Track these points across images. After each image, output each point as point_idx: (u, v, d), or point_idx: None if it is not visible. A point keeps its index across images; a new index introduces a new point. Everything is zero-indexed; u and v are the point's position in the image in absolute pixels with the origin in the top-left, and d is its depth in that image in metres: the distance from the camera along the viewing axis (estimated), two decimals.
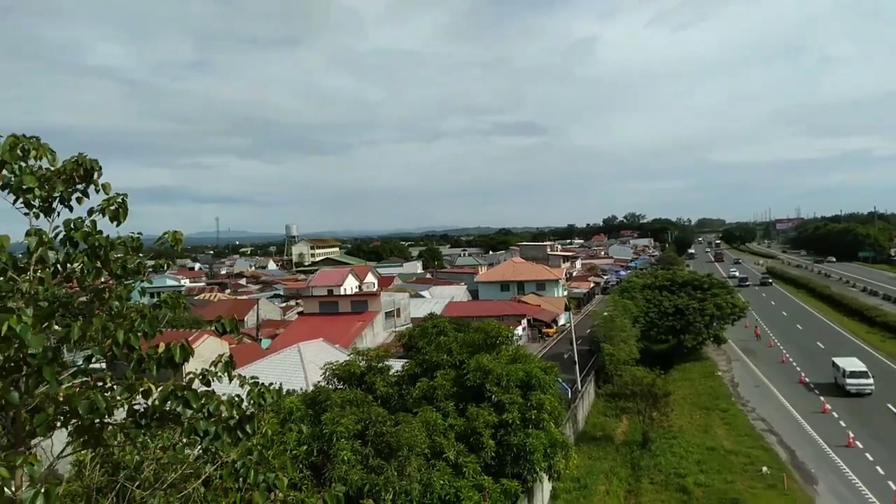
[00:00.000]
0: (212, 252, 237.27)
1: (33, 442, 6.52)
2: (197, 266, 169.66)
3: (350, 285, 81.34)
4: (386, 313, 54.73)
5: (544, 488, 24.73)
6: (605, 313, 48.47)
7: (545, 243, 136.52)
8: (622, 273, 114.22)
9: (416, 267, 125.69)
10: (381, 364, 21.15)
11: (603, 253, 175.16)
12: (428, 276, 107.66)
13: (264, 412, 8.84)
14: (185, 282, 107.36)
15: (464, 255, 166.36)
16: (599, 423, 37.05)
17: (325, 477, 14.10)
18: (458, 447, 17.81)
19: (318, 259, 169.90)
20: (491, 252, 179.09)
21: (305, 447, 14.33)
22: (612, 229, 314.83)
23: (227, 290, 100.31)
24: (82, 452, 10.49)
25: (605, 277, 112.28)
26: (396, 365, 23.45)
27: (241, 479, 7.09)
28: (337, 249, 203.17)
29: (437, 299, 71.07)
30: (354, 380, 20.50)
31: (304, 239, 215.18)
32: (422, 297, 73.16)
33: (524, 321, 61.78)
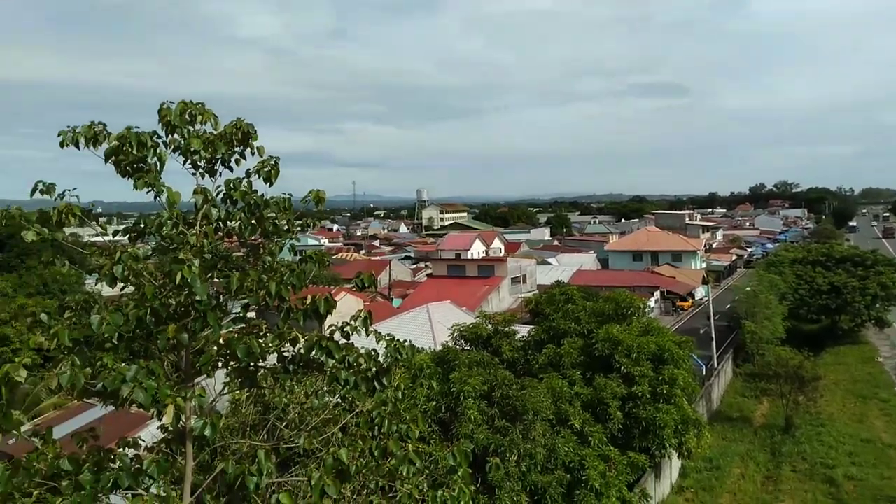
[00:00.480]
0: (348, 214, 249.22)
1: (197, 380, 7.29)
2: (335, 227, 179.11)
3: (477, 250, 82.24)
4: (512, 279, 54.85)
5: (673, 465, 23.94)
6: (748, 288, 45.30)
7: (683, 212, 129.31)
8: (769, 246, 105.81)
9: (544, 234, 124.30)
10: (507, 328, 21.30)
11: (748, 224, 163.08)
12: (555, 243, 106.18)
13: (398, 367, 9.23)
14: (325, 241, 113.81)
15: (594, 222, 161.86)
16: (736, 403, 35.03)
17: (452, 433, 14.58)
18: (583, 416, 17.65)
19: (446, 223, 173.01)
20: (623, 220, 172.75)
21: (434, 403, 14.87)
22: (759, 198, 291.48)
23: (362, 251, 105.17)
24: (237, 392, 11.61)
25: (749, 250, 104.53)
26: (522, 330, 23.51)
27: (375, 428, 7.49)
28: (465, 214, 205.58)
29: (565, 267, 69.99)
30: (481, 342, 20.83)
31: (434, 203, 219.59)
32: (549, 264, 72.39)
33: (657, 293, 59.35)
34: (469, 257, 74.79)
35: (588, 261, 78.78)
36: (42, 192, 6.20)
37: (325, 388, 10.67)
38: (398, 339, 7.57)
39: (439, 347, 20.70)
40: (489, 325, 21.41)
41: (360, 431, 7.86)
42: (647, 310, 25.53)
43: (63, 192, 6.40)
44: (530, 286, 56.48)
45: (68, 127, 6.24)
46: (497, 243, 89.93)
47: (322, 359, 6.76)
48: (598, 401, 18.44)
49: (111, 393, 5.57)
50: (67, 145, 6.23)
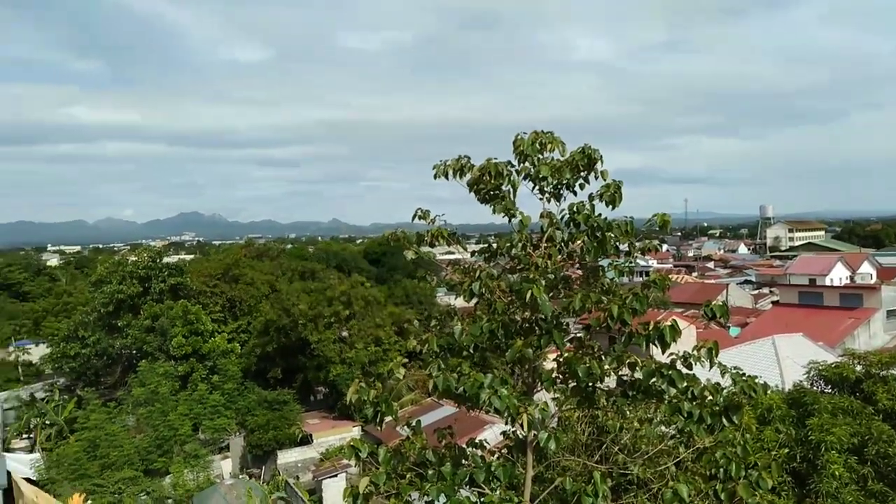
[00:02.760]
0: (679, 234, 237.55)
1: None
2: (664, 247, 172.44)
3: (839, 275, 70.34)
4: (888, 311, 45.42)
5: None
6: None
7: None
8: None
9: None
10: (885, 371, 17.63)
11: None
12: None
13: (748, 404, 8.36)
14: (653, 262, 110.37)
15: None
16: None
17: (809, 489, 12.60)
18: None
19: (797, 244, 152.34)
20: None
21: (787, 450, 13.06)
22: None
23: (694, 273, 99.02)
24: (568, 409, 11.89)
25: None
26: None
27: (721, 470, 6.88)
28: (821, 233, 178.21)
29: None
30: (847, 386, 17.61)
31: (781, 221, 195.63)
32: None
33: None
34: (827, 283, 64.44)
35: None
36: (420, 217, 7.28)
37: (660, 418, 10.22)
38: (749, 375, 6.87)
39: (788, 386, 18.17)
40: (858, 366, 18.02)
41: (698, 469, 7.33)
42: None
43: (434, 217, 7.41)
44: None
45: (441, 161, 7.23)
46: (866, 267, 75.64)
47: (663, 387, 6.50)
48: None
49: (469, 396, 6.20)
50: (439, 177, 7.21)
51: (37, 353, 57.58)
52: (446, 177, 7.18)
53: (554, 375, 7.25)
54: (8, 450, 42.09)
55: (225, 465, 39.52)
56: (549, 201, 7.37)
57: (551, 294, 7.25)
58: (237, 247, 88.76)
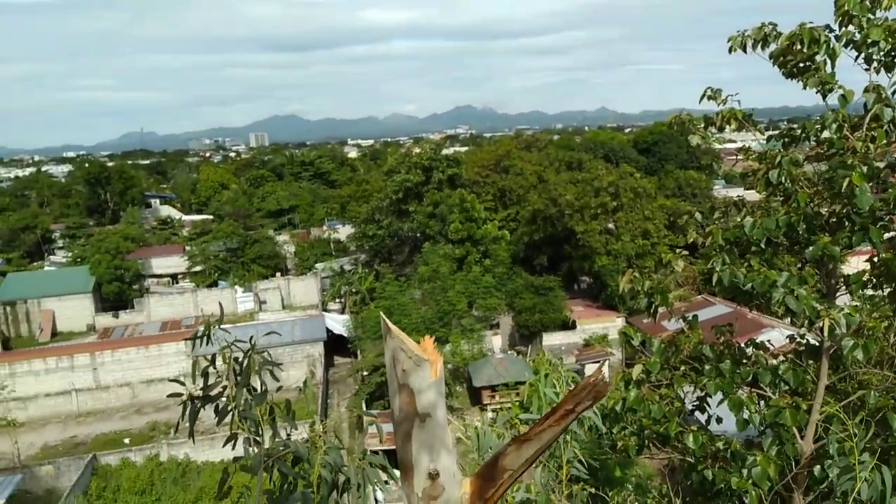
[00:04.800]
0: None
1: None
2: None
3: None
4: None
5: None
6: None
7: None
8: None
9: None
10: None
11: None
12: None
13: None
14: None
15: None
16: None
17: None
18: None
19: None
20: None
21: None
22: None
23: None
24: (875, 318, 10.34)
25: None
26: None
27: None
28: None
29: None
30: None
31: None
32: None
33: None
34: None
35: None
36: (709, 97, 6.62)
37: None
38: None
39: None
40: None
41: None
42: None
43: (726, 97, 6.68)
44: None
45: (737, 32, 6.37)
46: None
47: None
48: None
49: (758, 294, 5.74)
50: (735, 50, 6.40)
51: (343, 232, 67.95)
52: (744, 49, 6.33)
53: (865, 278, 6.31)
54: (326, 310, 51.56)
55: (495, 341, 43.32)
56: (877, 73, 6.10)
57: (870, 184, 6.17)
58: (507, 138, 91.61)
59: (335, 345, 43.45)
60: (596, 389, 2.11)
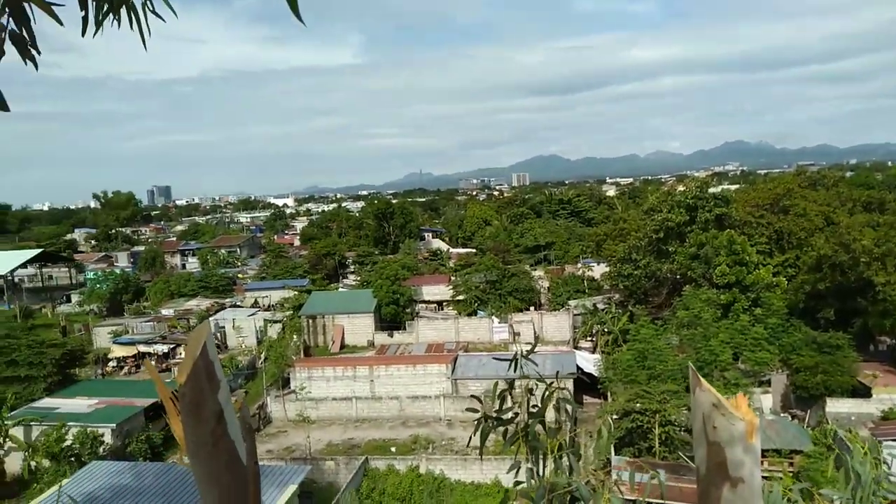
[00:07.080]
0: None
1: None
2: None
3: None
4: None
5: None
6: None
7: None
8: None
9: None
10: None
11: None
12: None
13: None
14: None
15: None
16: None
17: None
18: None
19: None
20: None
21: None
22: None
23: None
24: None
25: None
26: None
27: None
28: None
29: None
30: None
31: None
32: None
33: None
34: None
35: None
36: None
37: None
38: None
39: None
40: None
41: None
42: None
43: None
44: None
45: None
46: None
47: None
48: None
49: None
50: None
51: (597, 270, 67.33)
52: None
53: None
54: (577, 347, 51.34)
55: (765, 400, 38.77)
56: None
57: None
58: (787, 175, 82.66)
59: (584, 383, 43.05)
60: None
